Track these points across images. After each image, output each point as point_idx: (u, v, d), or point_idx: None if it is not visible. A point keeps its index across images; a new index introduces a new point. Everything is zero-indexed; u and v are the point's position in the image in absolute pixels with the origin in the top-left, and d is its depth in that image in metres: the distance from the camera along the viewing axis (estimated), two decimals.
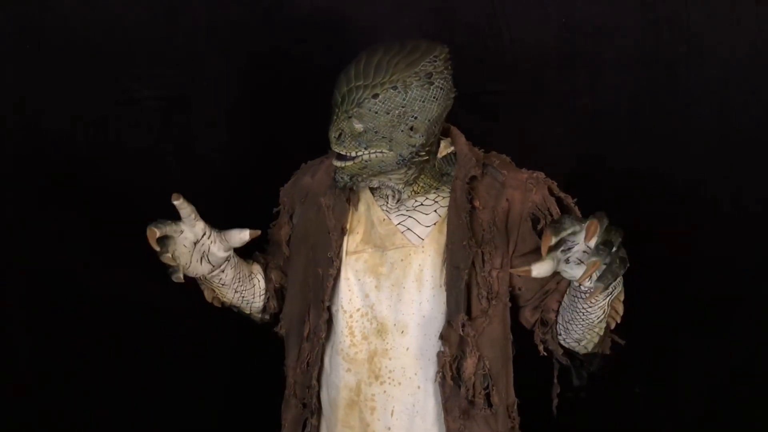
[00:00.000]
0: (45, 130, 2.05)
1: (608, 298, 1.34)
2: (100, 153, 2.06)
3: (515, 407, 1.51)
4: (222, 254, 1.48)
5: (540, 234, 1.45)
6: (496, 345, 1.46)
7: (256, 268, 1.63)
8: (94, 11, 1.99)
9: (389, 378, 1.45)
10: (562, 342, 1.47)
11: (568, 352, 1.49)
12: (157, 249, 1.37)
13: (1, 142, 2.05)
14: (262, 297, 1.63)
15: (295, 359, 1.54)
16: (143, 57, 2.02)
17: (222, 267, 1.52)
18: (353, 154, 1.39)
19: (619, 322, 1.46)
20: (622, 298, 1.42)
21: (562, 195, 1.51)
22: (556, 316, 1.45)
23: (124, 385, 2.19)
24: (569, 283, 1.38)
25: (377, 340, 1.45)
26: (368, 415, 1.46)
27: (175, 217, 1.42)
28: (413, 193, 1.48)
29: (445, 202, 1.47)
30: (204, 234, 1.45)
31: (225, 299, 1.59)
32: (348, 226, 1.50)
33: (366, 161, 1.40)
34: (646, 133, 2.04)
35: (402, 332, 1.44)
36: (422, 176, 1.47)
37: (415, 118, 1.37)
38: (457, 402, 1.42)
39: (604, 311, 1.37)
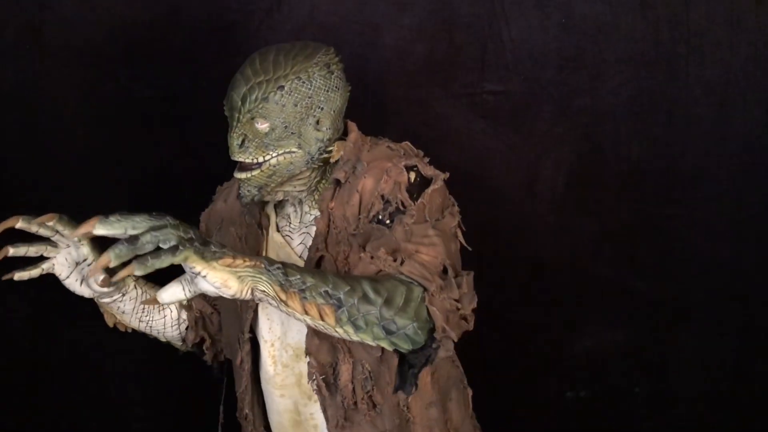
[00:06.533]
0: (45, 130, 2.05)
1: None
2: (100, 153, 2.07)
3: (407, 401, 1.37)
4: (100, 289, 1.39)
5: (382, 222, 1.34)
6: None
7: None
8: (94, 11, 1.99)
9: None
10: None
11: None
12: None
13: (1, 141, 2.05)
14: (175, 327, 1.55)
15: (237, 386, 1.52)
16: (143, 57, 2.02)
17: (113, 298, 1.45)
18: (260, 159, 1.31)
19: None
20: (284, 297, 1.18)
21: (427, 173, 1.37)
22: None
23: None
24: None
25: (299, 365, 1.42)
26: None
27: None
28: (314, 203, 1.41)
29: None
30: (86, 260, 1.37)
31: (129, 326, 1.51)
32: (263, 254, 1.41)
33: (274, 166, 1.33)
34: (646, 133, 2.03)
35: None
36: (322, 182, 1.41)
37: (321, 109, 1.35)
38: (334, 409, 1.38)
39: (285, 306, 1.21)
